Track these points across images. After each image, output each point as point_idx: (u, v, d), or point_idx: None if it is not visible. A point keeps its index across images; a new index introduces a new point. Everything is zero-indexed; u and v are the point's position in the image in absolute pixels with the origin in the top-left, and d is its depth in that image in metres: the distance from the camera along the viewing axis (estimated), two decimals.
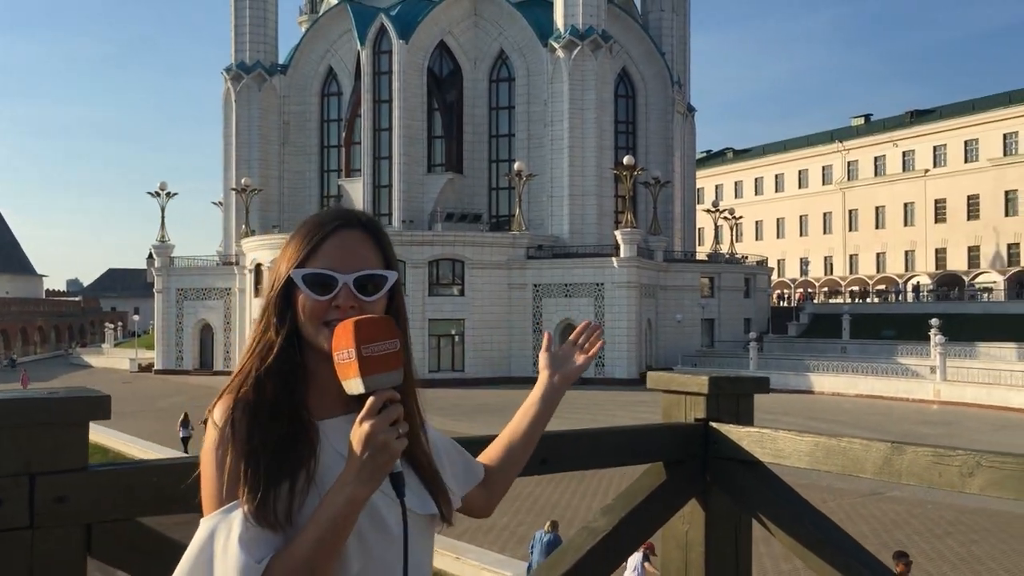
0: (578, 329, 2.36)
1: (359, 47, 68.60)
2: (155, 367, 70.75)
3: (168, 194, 71.63)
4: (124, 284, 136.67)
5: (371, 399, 1.64)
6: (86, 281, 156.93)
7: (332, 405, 1.80)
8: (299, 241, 1.82)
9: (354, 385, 1.67)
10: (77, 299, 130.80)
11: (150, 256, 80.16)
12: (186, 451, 32.00)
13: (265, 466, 1.69)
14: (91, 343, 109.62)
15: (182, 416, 34.69)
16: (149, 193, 71.72)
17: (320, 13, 77.66)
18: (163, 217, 71.78)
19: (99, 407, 2.22)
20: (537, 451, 2.36)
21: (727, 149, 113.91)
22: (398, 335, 1.70)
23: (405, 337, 1.82)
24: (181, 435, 33.83)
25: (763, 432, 3.23)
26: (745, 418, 3.46)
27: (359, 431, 1.62)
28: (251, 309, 66.01)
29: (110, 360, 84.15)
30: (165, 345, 70.20)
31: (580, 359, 2.31)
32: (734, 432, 3.29)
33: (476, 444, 2.23)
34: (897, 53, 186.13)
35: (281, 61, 73.57)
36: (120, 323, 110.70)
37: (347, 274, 1.77)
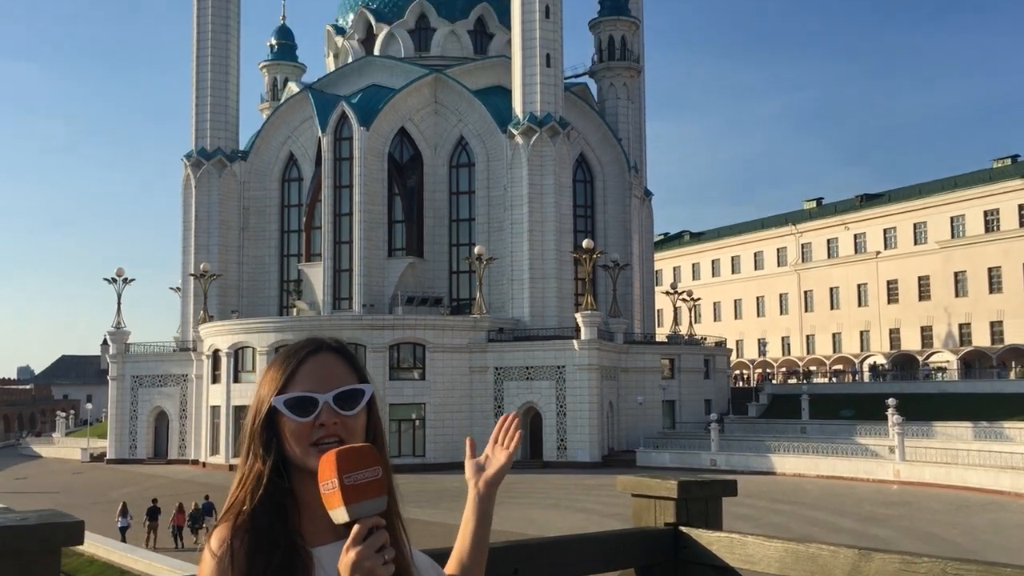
0: (497, 426, 2.38)
1: (320, 133, 69.25)
2: (107, 457, 69.03)
3: (125, 280, 70.93)
4: (77, 371, 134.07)
5: (356, 527, 1.69)
6: (38, 368, 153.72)
7: (324, 531, 1.85)
8: (276, 370, 1.92)
9: (339, 514, 1.72)
10: (28, 387, 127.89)
11: (105, 342, 78.92)
12: (123, 540, 31.39)
13: None
14: (43, 432, 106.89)
15: (120, 506, 34.46)
16: (106, 279, 71.02)
17: (282, 100, 78.46)
18: (119, 303, 70.85)
19: (72, 533, 2.20)
20: (509, 561, 2.38)
21: (684, 232, 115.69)
22: (380, 462, 1.76)
23: (384, 457, 1.88)
24: (119, 525, 33.40)
25: (732, 537, 3.26)
26: (714, 522, 3.49)
27: (346, 559, 1.67)
28: (208, 395, 65.00)
29: (61, 450, 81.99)
30: (118, 433, 68.67)
31: (502, 457, 2.30)
32: (704, 537, 3.32)
33: (439, 558, 2.27)
34: (845, 138, 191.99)
35: (242, 147, 73.92)
36: (72, 411, 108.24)
37: (326, 393, 1.88)
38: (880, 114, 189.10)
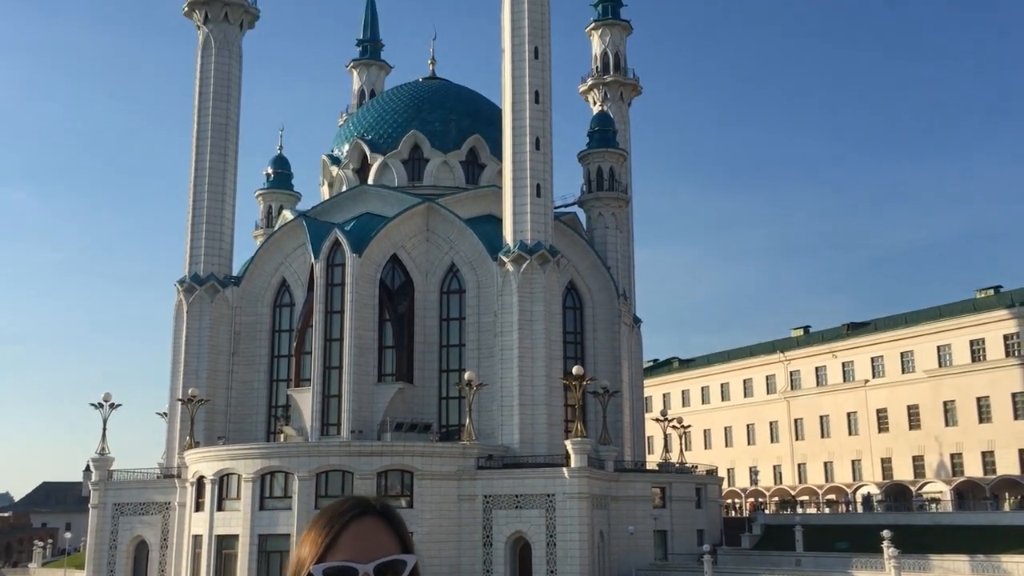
0: None
1: (313, 260, 70.20)
2: None
3: (112, 405, 70.43)
4: (58, 498, 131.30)
5: None
6: (17, 495, 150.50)
7: None
8: (317, 534, 1.94)
9: None
10: (6, 514, 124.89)
11: (87, 469, 77.74)
12: None
13: None
14: (19, 562, 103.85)
15: None
16: (92, 404, 70.42)
17: (276, 227, 79.81)
18: (104, 429, 70.08)
19: None
20: None
21: (673, 358, 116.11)
22: None
23: None
24: None
25: None
26: None
27: None
28: (190, 524, 63.71)
29: None
30: (96, 565, 66.87)
31: None
32: None
33: None
34: (830, 267, 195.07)
35: (235, 273, 74.71)
36: (50, 540, 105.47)
37: (367, 563, 1.87)
38: (864, 244, 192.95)
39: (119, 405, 71.05)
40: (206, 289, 71.97)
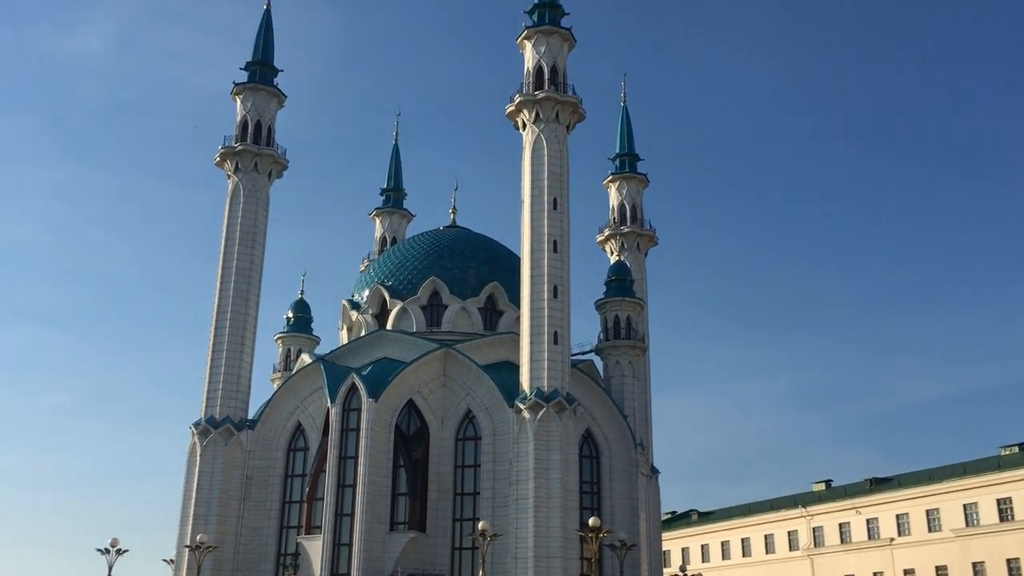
0: None
1: (329, 404, 70.06)
2: None
3: (119, 551, 68.94)
4: None
5: None
6: None
7: None
8: None
9: None
10: None
11: None
12: None
13: None
14: None
15: None
16: (98, 550, 68.91)
17: (294, 371, 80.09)
18: (110, 575, 68.41)
19: None
20: None
21: (692, 511, 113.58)
22: None
23: None
24: None
25: None
26: None
27: None
28: None
29: None
30: None
31: None
32: None
33: None
34: (850, 420, 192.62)
35: (250, 416, 74.52)
36: None
37: None
38: (884, 396, 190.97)
39: (126, 551, 69.49)
40: (220, 432, 71.66)
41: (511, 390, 68.98)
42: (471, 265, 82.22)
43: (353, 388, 69.89)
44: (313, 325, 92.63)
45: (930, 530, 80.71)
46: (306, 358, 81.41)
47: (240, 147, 77.75)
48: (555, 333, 68.62)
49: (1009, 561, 74.58)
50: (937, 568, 79.62)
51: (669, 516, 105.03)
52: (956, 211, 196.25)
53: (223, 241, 76.83)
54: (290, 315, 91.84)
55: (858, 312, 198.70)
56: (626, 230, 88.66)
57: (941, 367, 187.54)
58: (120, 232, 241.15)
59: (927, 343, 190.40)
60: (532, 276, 70.15)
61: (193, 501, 70.15)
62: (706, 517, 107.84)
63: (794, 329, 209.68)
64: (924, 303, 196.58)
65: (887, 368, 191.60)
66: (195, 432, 72.30)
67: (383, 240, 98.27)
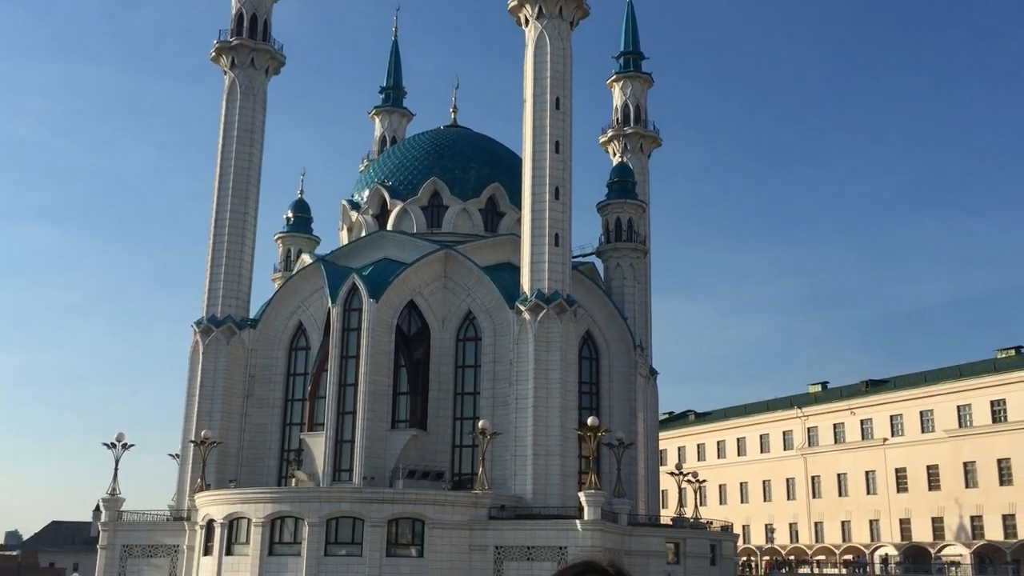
0: None
1: (330, 304, 70.28)
2: None
3: (125, 445, 70.29)
4: (67, 537, 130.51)
5: None
6: (27, 533, 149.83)
7: None
8: None
9: None
10: (14, 553, 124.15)
11: (97, 509, 77.42)
12: None
13: None
14: None
15: None
16: (105, 444, 70.33)
17: (294, 271, 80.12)
18: (116, 469, 69.88)
19: None
20: None
21: (689, 411, 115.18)
22: None
23: None
24: None
25: None
26: None
27: None
28: (199, 569, 63.12)
29: None
30: None
31: None
32: None
33: None
34: (849, 323, 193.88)
35: (252, 315, 74.88)
36: None
37: None
38: (884, 300, 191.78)
39: (132, 446, 70.91)
40: (223, 331, 72.12)
41: (512, 292, 69.11)
42: (472, 166, 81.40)
43: (354, 289, 70.00)
44: (313, 225, 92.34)
45: (923, 431, 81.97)
46: (306, 258, 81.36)
47: (236, 41, 76.11)
48: (556, 235, 68.37)
49: (1000, 461, 75.95)
50: (928, 467, 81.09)
51: (666, 416, 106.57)
52: (965, 117, 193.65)
53: (220, 139, 75.95)
54: (290, 215, 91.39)
55: (865, 215, 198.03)
56: (629, 131, 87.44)
57: (945, 271, 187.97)
58: (117, 128, 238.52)
59: (934, 246, 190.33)
60: (533, 177, 69.53)
61: (197, 398, 71.11)
62: (703, 417, 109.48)
63: (797, 233, 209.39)
64: (933, 206, 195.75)
65: (890, 272, 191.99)
66: (197, 330, 72.78)
67: (383, 140, 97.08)
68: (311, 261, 78.27)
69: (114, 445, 70.02)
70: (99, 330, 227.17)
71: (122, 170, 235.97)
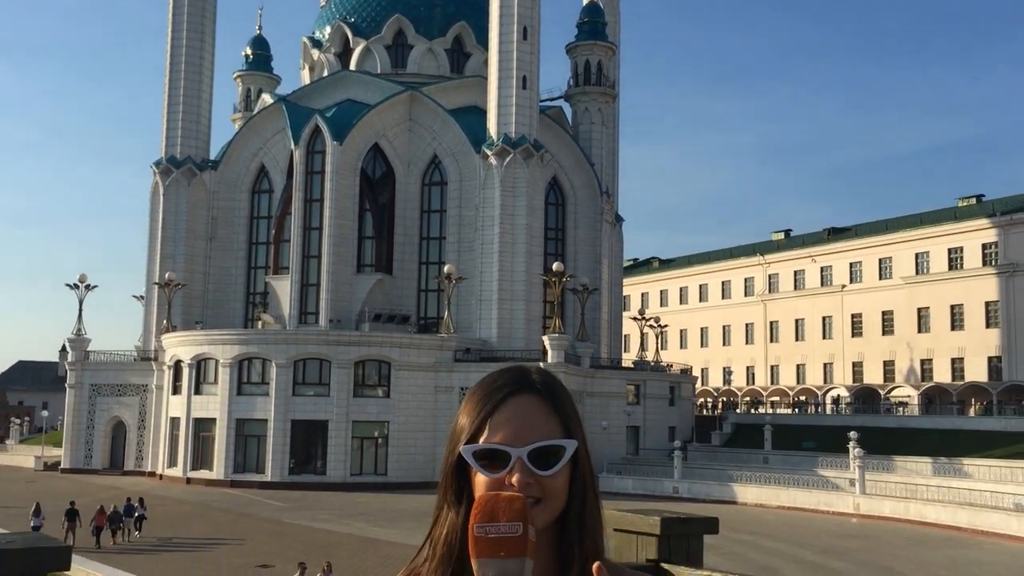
0: None
1: (293, 146, 68.97)
2: (62, 466, 67.83)
3: (88, 286, 70.00)
4: (34, 377, 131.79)
5: None
6: None
7: None
8: (472, 406, 1.77)
9: (475, 568, 1.56)
10: None
11: (63, 349, 77.77)
12: None
13: None
14: None
15: (34, 506, 36.64)
16: (68, 285, 70.02)
17: (255, 111, 78.13)
18: (80, 310, 69.86)
19: (59, 558, 2.14)
20: None
21: (653, 258, 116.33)
22: (525, 518, 1.55)
23: (589, 514, 1.71)
24: (32, 524, 34.14)
25: (713, 574, 3.26)
26: (695, 559, 3.48)
27: None
28: (168, 407, 64.17)
29: (14, 458, 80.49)
30: (74, 442, 67.55)
31: None
32: (685, 574, 3.31)
33: None
34: (814, 172, 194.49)
35: (213, 157, 73.43)
36: (27, 418, 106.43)
37: (520, 447, 1.67)
38: (850, 149, 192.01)
39: (95, 287, 70.66)
40: (183, 172, 70.83)
41: (478, 135, 68.09)
42: (438, 2, 78.56)
43: (317, 130, 68.58)
44: (273, 64, 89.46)
45: (881, 278, 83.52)
46: (267, 98, 79.21)
47: None
48: (524, 77, 66.89)
49: (952, 307, 77.97)
50: (883, 313, 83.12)
51: (631, 263, 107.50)
52: None
53: None
54: (248, 52, 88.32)
55: (839, 61, 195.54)
56: None
57: (915, 120, 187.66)
58: None
59: (906, 94, 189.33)
60: (501, 15, 67.34)
61: (159, 240, 70.50)
62: (667, 264, 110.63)
63: (769, 79, 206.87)
64: (909, 54, 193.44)
65: (860, 120, 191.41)
66: (156, 171, 71.44)
67: None
68: (272, 101, 76.25)
69: (77, 286, 69.73)
70: (57, 170, 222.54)
71: (75, 3, 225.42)
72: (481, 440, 1.69)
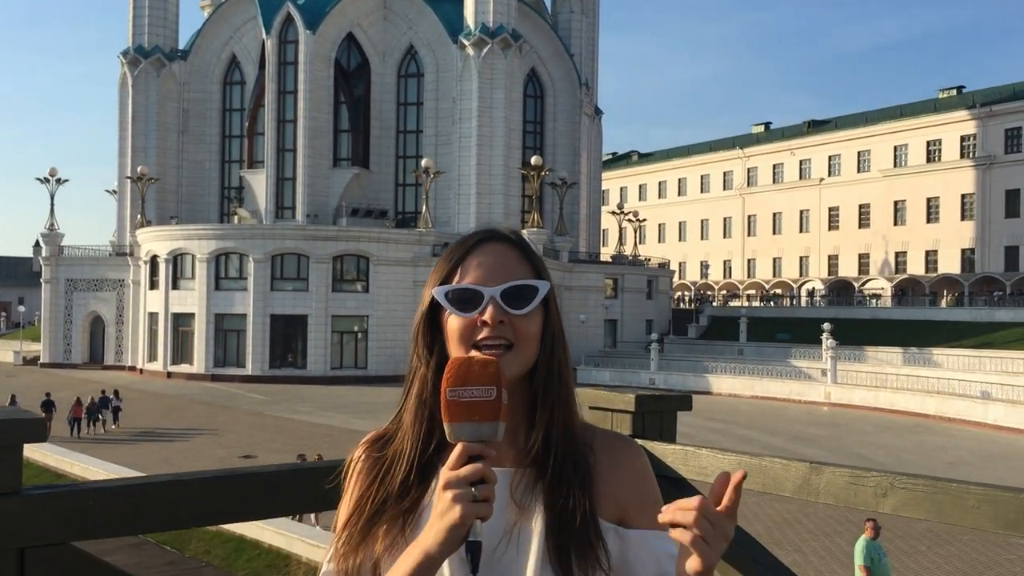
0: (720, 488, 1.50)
1: (264, 35, 67.28)
2: (41, 360, 68.10)
3: (58, 180, 69.00)
4: (8, 272, 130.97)
5: (456, 449, 1.49)
6: None
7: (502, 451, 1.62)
8: (443, 259, 1.74)
9: (447, 431, 1.53)
10: None
11: (37, 244, 77.10)
12: None
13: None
14: None
15: (9, 397, 37.85)
16: (38, 179, 69.01)
17: None
18: (52, 204, 68.94)
19: (34, 429, 2.16)
20: None
21: (632, 152, 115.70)
22: (499, 382, 1.51)
23: (558, 365, 1.70)
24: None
25: (687, 450, 3.32)
26: (669, 435, 3.56)
27: (438, 483, 1.49)
28: (146, 301, 64.13)
29: None
30: (52, 337, 67.65)
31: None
32: (659, 449, 3.38)
33: None
34: (797, 63, 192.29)
35: (182, 46, 71.57)
36: (3, 313, 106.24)
37: (493, 287, 1.65)
38: (832, 40, 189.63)
39: (66, 180, 69.70)
40: (152, 63, 69.08)
41: (455, 25, 66.61)
42: None
43: (289, 18, 66.80)
44: None
45: (859, 171, 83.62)
46: None
47: None
48: None
49: (929, 200, 78.43)
50: (860, 206, 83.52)
51: (610, 157, 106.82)
52: None
53: None
54: None
55: None
56: None
57: (895, 8, 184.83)
58: None
59: None
60: None
61: (130, 133, 69.24)
62: (646, 158, 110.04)
63: None
64: None
65: (847, 9, 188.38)
66: (124, 62, 69.65)
67: None
68: None
69: (47, 180, 68.73)
70: (20, 59, 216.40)
71: None
72: (454, 283, 1.67)
